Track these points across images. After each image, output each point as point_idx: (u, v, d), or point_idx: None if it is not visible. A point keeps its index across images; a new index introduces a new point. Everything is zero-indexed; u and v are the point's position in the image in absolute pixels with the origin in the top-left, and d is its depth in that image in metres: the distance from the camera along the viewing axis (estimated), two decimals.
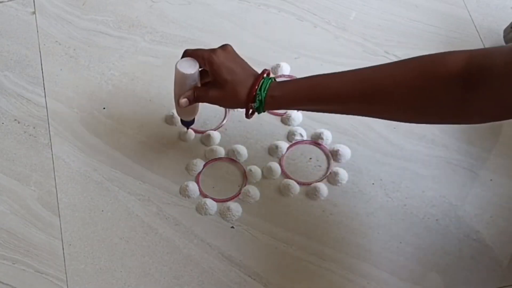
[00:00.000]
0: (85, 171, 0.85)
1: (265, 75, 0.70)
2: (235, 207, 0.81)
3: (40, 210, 0.82)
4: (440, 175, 0.83)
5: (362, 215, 0.80)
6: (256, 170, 0.83)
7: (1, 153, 0.87)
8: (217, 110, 0.88)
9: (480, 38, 0.94)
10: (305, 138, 0.86)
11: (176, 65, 0.71)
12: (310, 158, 0.85)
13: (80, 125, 0.88)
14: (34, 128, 0.88)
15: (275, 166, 0.83)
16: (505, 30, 0.92)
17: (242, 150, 0.85)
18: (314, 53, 0.93)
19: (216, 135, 0.86)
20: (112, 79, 0.92)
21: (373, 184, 0.82)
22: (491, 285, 0.76)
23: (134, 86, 0.91)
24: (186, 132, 0.86)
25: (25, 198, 0.83)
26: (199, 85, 0.74)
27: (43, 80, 0.92)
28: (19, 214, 0.82)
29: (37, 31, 0.96)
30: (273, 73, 0.90)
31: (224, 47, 0.72)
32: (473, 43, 0.93)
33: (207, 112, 0.88)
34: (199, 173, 0.84)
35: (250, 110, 0.71)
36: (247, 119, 0.73)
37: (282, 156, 0.84)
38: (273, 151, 0.85)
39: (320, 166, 0.84)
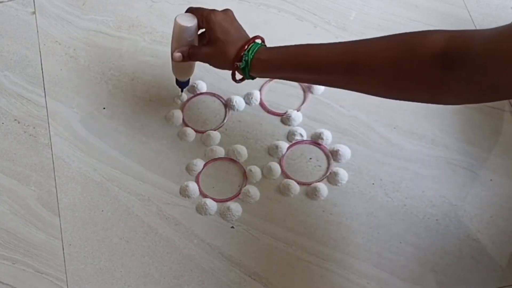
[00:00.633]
0: (85, 171, 0.85)
1: (257, 40, 0.74)
2: (235, 207, 0.81)
3: (40, 210, 0.82)
4: (440, 175, 0.83)
5: (362, 215, 0.80)
6: (256, 170, 0.83)
7: (1, 153, 0.87)
8: (217, 110, 0.88)
9: None
10: (305, 138, 0.86)
11: (175, 18, 0.75)
12: (310, 158, 0.85)
13: (80, 125, 0.88)
14: (34, 128, 0.88)
15: (275, 166, 0.83)
16: None
17: (242, 150, 0.85)
18: None
19: (216, 135, 0.86)
20: (112, 79, 0.92)
21: (373, 184, 0.82)
22: (491, 285, 0.76)
23: (134, 86, 0.91)
24: (180, 95, 0.88)
25: (25, 198, 0.83)
26: (196, 43, 0.77)
27: (43, 80, 0.92)
28: (19, 214, 0.82)
29: (37, 31, 0.97)
30: None
31: (226, 10, 0.76)
32: None
33: (207, 112, 0.88)
34: (199, 173, 0.84)
35: (236, 72, 0.74)
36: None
37: (282, 156, 0.84)
38: (273, 151, 0.85)
39: (320, 166, 0.84)
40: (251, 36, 0.75)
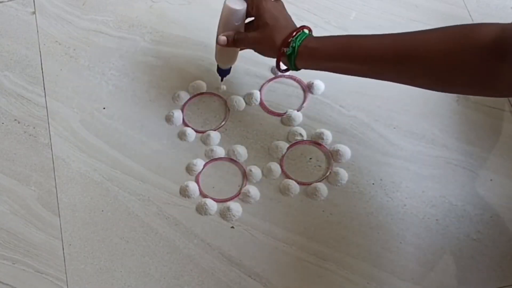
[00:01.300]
0: (85, 171, 0.85)
1: (305, 30, 0.73)
2: (235, 207, 0.81)
3: (40, 210, 0.82)
4: (440, 175, 0.83)
5: (362, 215, 0.80)
6: (256, 170, 0.83)
7: (1, 153, 0.87)
8: (217, 110, 0.88)
9: None
10: (305, 138, 0.86)
11: (225, 1, 0.75)
12: (310, 158, 0.85)
13: (80, 125, 0.88)
14: (34, 128, 0.88)
15: (275, 166, 0.83)
16: None
17: (242, 150, 0.85)
18: None
19: (216, 135, 0.86)
20: (112, 79, 0.92)
21: (373, 184, 0.82)
22: (491, 285, 0.76)
23: (134, 86, 0.91)
24: (221, 84, 0.87)
25: (25, 198, 0.83)
26: (242, 30, 0.77)
27: (43, 80, 0.92)
28: (19, 214, 0.82)
29: (37, 31, 0.97)
30: (272, 73, 0.90)
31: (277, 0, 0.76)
32: None
33: (207, 112, 0.88)
34: (199, 173, 0.84)
35: (282, 59, 0.73)
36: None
37: (282, 156, 0.84)
38: (273, 151, 0.85)
39: (320, 166, 0.84)
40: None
